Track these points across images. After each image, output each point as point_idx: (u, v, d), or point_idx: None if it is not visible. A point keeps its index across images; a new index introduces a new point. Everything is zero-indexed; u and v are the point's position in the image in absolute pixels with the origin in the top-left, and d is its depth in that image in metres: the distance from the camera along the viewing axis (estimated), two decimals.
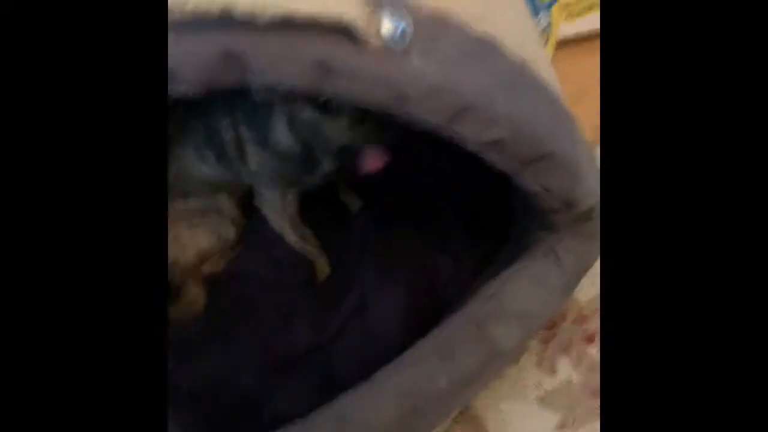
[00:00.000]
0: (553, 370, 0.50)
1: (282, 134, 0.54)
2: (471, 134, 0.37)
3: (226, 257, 0.64)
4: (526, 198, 0.44)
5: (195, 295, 0.60)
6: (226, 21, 0.33)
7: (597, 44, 1.06)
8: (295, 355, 0.54)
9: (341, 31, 0.34)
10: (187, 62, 0.34)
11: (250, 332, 0.57)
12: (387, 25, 0.34)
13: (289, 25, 0.33)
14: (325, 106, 0.48)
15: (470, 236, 0.60)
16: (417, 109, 0.36)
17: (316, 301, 0.58)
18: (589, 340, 0.51)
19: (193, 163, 0.59)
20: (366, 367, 0.53)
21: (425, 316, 0.55)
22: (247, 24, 0.33)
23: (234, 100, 0.52)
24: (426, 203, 0.63)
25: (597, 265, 0.52)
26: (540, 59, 0.46)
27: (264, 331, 0.56)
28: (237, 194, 0.63)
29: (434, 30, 0.37)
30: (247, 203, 0.64)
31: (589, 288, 0.56)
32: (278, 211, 0.60)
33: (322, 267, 0.62)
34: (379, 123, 0.48)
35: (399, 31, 0.34)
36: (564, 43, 1.04)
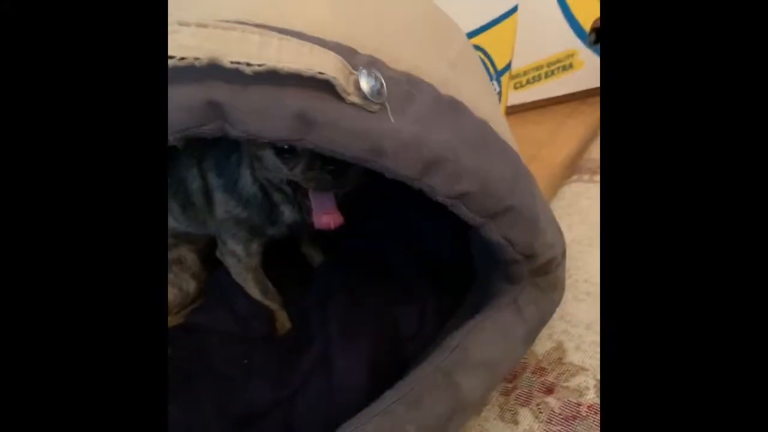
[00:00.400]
0: (515, 422, 0.51)
1: (247, 180, 0.55)
2: (441, 186, 0.39)
3: (186, 310, 0.63)
4: (489, 250, 0.46)
5: None
6: (212, 71, 0.34)
7: (542, 113, 1.12)
8: (255, 412, 0.53)
9: (322, 86, 0.35)
10: (174, 113, 0.35)
11: (209, 387, 0.55)
12: (365, 84, 0.36)
13: (272, 79, 0.34)
14: (283, 150, 0.49)
15: (432, 288, 0.61)
16: (392, 161, 0.38)
17: (277, 355, 0.57)
18: (549, 391, 0.52)
19: None
20: (329, 421, 0.52)
21: (389, 369, 0.55)
22: (232, 75, 0.34)
23: (202, 149, 0.53)
24: (387, 256, 0.65)
25: (553, 318, 0.54)
26: (499, 120, 0.49)
27: (224, 387, 0.55)
28: (198, 247, 0.63)
29: (409, 90, 0.39)
30: (208, 257, 0.64)
31: (546, 341, 0.58)
32: (241, 262, 0.60)
33: (283, 321, 0.62)
34: (335, 171, 0.49)
35: (376, 89, 0.37)
36: (511, 110, 1.11)
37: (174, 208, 0.58)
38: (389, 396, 0.42)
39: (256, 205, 0.56)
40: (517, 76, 1.07)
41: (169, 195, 0.57)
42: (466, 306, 0.58)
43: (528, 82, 1.10)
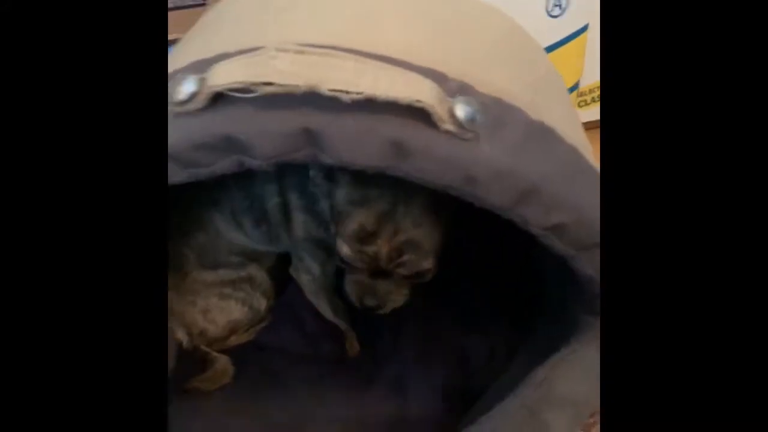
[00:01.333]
0: None
1: (325, 202, 0.54)
2: (534, 217, 0.38)
3: (255, 329, 0.63)
4: (570, 282, 0.44)
5: (223, 366, 0.59)
6: (308, 98, 0.34)
7: None
8: None
9: (417, 114, 0.35)
10: (265, 138, 0.35)
11: (280, 407, 0.55)
12: (460, 111, 0.35)
13: (367, 106, 0.34)
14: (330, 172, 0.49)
15: (500, 316, 0.59)
16: (484, 191, 0.37)
17: (348, 377, 0.57)
18: None
19: (226, 230, 0.59)
20: None
21: (461, 399, 0.54)
22: (328, 103, 0.34)
23: (282, 167, 0.53)
24: (453, 281, 0.63)
25: None
26: (586, 146, 0.47)
27: (295, 407, 0.55)
28: (268, 265, 0.63)
29: (500, 115, 0.38)
30: (277, 275, 0.64)
31: None
32: (316, 281, 0.59)
33: (353, 342, 0.61)
34: None
35: (471, 116, 0.36)
36: None
37: (246, 224, 0.59)
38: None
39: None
40: (583, 94, 1.05)
41: (241, 210, 0.58)
42: (538, 337, 0.56)
43: (593, 100, 1.07)
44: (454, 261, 0.64)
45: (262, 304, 0.62)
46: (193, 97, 0.36)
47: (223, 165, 0.37)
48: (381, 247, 0.47)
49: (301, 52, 0.34)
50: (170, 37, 0.64)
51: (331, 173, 0.50)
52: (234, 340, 0.62)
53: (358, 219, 0.48)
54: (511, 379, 0.51)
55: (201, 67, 0.38)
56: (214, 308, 0.60)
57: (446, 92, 0.36)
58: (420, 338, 0.56)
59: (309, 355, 0.60)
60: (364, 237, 0.47)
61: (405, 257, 0.48)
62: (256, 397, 0.57)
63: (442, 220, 0.49)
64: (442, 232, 0.50)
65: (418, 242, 0.47)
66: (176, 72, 0.40)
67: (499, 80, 0.42)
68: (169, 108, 0.37)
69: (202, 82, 0.36)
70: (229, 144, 0.36)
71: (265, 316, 0.63)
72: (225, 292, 0.60)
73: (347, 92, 0.33)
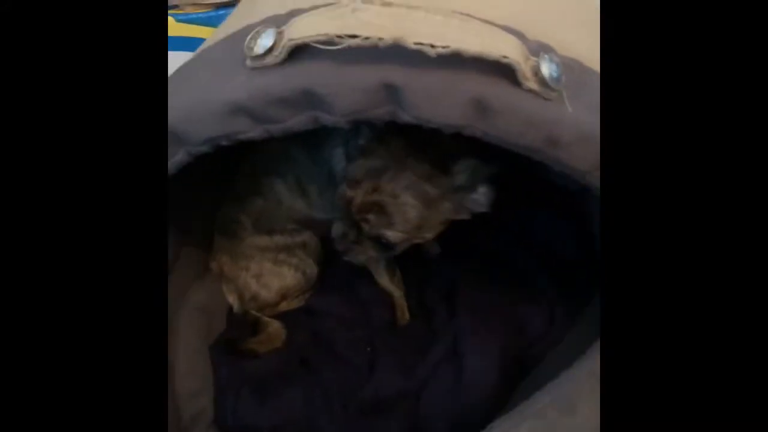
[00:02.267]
0: None
1: None
2: None
3: (305, 295, 0.63)
4: None
5: (275, 330, 0.59)
6: (391, 52, 0.33)
7: None
8: (381, 400, 0.52)
9: (501, 71, 0.34)
10: (344, 92, 0.35)
11: (332, 373, 0.55)
12: (545, 69, 0.34)
13: (452, 62, 0.33)
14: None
15: (557, 288, 0.59)
16: (566, 153, 0.36)
17: (401, 346, 0.56)
18: None
19: (289, 197, 0.59)
20: (455, 418, 0.51)
21: (517, 368, 0.53)
22: (411, 57, 0.33)
23: (347, 130, 0.52)
24: (509, 253, 0.63)
25: None
26: None
27: (348, 373, 0.55)
28: (321, 233, 0.63)
29: (581, 77, 0.37)
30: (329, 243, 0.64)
31: None
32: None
33: (404, 310, 0.61)
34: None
35: (556, 75, 0.35)
36: None
37: (311, 192, 0.58)
38: (540, 398, 0.40)
39: None
40: None
41: (307, 177, 0.57)
42: (596, 307, 0.55)
43: None
44: (511, 231, 0.64)
45: (314, 270, 0.62)
46: (270, 50, 0.35)
47: (299, 121, 0.37)
48: (356, 197, 0.48)
49: (387, 4, 0.33)
50: None
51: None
52: (285, 306, 0.62)
53: (356, 165, 0.49)
54: (570, 347, 0.51)
55: (277, 21, 0.38)
56: (267, 273, 0.60)
57: (528, 51, 0.35)
58: (476, 308, 0.55)
59: (360, 321, 0.60)
60: (350, 182, 0.48)
61: (370, 216, 0.48)
62: (307, 360, 0.57)
63: (437, 205, 0.49)
64: (441, 211, 0.49)
65: (386, 209, 0.47)
66: (251, 26, 0.40)
67: (575, 42, 0.40)
68: (246, 62, 0.36)
69: (280, 35, 0.36)
70: (307, 98, 0.35)
71: (316, 282, 0.63)
72: (279, 258, 0.60)
73: (433, 46, 0.32)
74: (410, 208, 0.47)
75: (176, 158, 0.40)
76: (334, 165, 0.55)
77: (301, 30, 0.34)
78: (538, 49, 0.36)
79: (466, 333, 0.53)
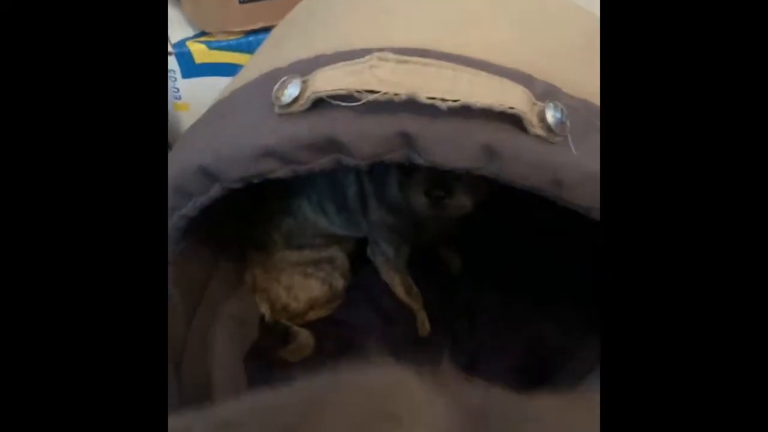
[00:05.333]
0: None
1: (393, 190, 0.57)
2: None
3: (331, 305, 0.67)
4: None
5: (305, 339, 0.63)
6: (406, 105, 0.36)
7: None
8: None
9: (508, 119, 0.36)
10: (364, 140, 0.38)
11: None
12: (550, 116, 0.37)
13: (463, 112, 0.36)
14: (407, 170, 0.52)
15: (573, 296, 0.61)
16: (569, 193, 0.38)
17: (422, 354, 0.59)
18: None
19: (313, 215, 0.62)
20: None
21: (533, 379, 0.56)
22: (425, 108, 0.36)
23: None
24: (529, 266, 0.65)
25: None
26: None
27: None
28: (347, 248, 0.66)
29: (588, 119, 0.39)
30: (355, 257, 0.68)
31: None
32: (391, 262, 0.63)
33: (423, 322, 0.64)
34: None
35: (560, 121, 0.37)
36: None
37: (330, 211, 0.62)
38: None
39: (402, 213, 0.58)
40: None
41: (326, 198, 0.61)
42: None
43: None
44: (528, 247, 0.66)
45: (340, 283, 0.66)
46: (295, 100, 0.39)
47: (323, 162, 0.40)
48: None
49: (402, 62, 0.36)
50: (257, 25, 0.67)
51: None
52: (312, 315, 0.66)
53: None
54: (586, 360, 0.53)
55: (302, 68, 0.41)
56: (296, 285, 0.64)
57: (535, 95, 0.38)
58: (495, 321, 0.58)
59: (384, 331, 0.63)
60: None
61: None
62: (335, 368, 0.61)
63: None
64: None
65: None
66: (278, 71, 0.43)
67: (585, 82, 0.43)
68: (275, 108, 0.40)
69: (305, 85, 0.39)
70: (331, 144, 0.38)
71: (342, 294, 0.67)
72: (308, 271, 0.64)
73: (444, 99, 0.35)
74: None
75: (211, 193, 0.44)
76: (347, 188, 0.59)
77: (323, 83, 0.37)
78: (544, 94, 0.38)
79: (484, 344, 0.56)
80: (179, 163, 0.45)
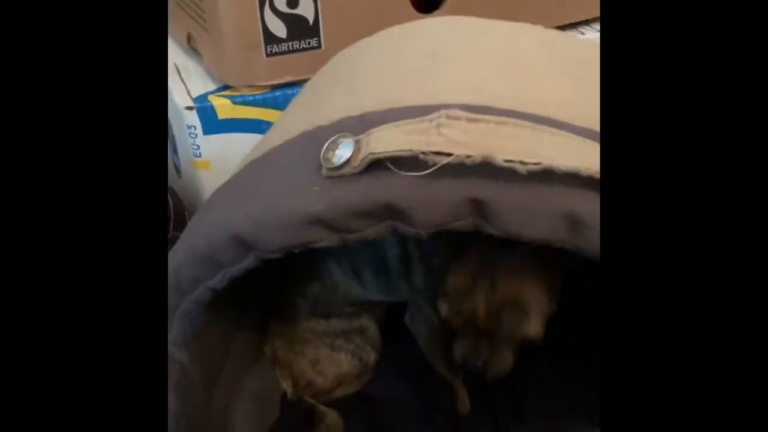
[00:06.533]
0: None
1: (439, 261, 0.52)
2: None
3: (360, 381, 0.61)
4: None
5: (333, 422, 0.57)
6: (479, 169, 0.32)
7: None
8: None
9: (590, 185, 0.32)
10: (427, 207, 0.33)
11: None
12: None
13: (543, 176, 0.31)
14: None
15: None
16: None
17: None
18: None
19: (344, 281, 0.57)
20: None
21: None
22: (499, 172, 0.32)
23: None
24: (567, 336, 0.60)
25: None
26: None
27: None
28: (378, 316, 0.61)
29: None
30: (385, 326, 0.62)
31: None
32: (432, 331, 0.57)
33: (464, 399, 0.58)
34: None
35: None
36: None
37: (365, 274, 0.57)
38: None
39: None
40: None
41: (361, 261, 0.56)
42: None
43: None
44: (580, 318, 0.61)
45: (371, 356, 0.60)
46: (348, 161, 0.35)
47: (377, 230, 0.36)
48: (477, 304, 0.44)
49: (474, 120, 0.32)
50: (284, 79, 0.64)
51: None
52: (339, 392, 0.60)
53: (453, 274, 0.45)
54: None
55: (350, 127, 0.37)
56: (324, 359, 0.58)
57: None
58: (541, 400, 0.53)
59: (420, 409, 0.58)
60: (461, 294, 0.45)
61: (504, 316, 0.44)
62: None
63: (553, 276, 0.45)
64: (554, 289, 0.46)
65: (518, 299, 0.44)
66: (321, 129, 0.39)
67: None
68: (322, 171, 0.36)
69: (357, 145, 0.35)
70: (388, 211, 0.34)
71: (373, 368, 0.61)
72: (336, 344, 0.58)
73: (523, 162, 0.31)
74: (540, 288, 0.44)
75: (245, 264, 0.39)
76: (386, 250, 0.54)
77: (381, 144, 0.33)
78: None
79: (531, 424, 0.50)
80: (208, 230, 0.40)
